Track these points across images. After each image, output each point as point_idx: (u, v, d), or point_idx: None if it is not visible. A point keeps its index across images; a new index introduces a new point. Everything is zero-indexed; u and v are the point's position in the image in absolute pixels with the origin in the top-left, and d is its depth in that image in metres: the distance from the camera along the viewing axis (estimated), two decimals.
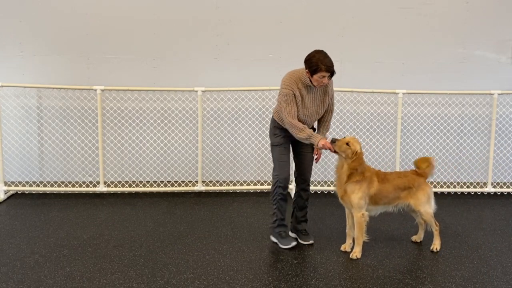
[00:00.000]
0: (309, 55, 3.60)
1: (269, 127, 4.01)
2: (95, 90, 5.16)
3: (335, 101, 4.11)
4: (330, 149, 3.61)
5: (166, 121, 5.50)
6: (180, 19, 5.37)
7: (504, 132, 5.62)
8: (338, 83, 5.50)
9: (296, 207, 4.05)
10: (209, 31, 5.40)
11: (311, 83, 3.62)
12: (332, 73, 3.57)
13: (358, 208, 3.69)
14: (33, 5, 5.26)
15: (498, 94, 5.34)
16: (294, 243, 3.87)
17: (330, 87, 3.79)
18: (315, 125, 3.99)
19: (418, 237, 4.08)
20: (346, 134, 5.59)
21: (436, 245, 3.90)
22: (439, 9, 5.43)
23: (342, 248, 3.88)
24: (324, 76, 3.54)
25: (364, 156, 3.73)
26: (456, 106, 5.59)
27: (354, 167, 3.63)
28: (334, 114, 5.49)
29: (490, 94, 5.35)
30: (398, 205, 3.88)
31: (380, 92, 5.36)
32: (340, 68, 5.53)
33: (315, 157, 3.94)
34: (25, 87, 5.22)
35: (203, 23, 5.39)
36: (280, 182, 3.81)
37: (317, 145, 3.61)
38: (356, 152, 3.61)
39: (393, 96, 5.49)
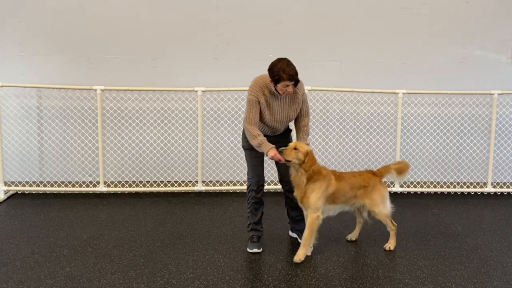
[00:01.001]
0: (271, 63, 3.50)
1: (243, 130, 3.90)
2: (95, 90, 5.16)
3: (309, 104, 3.99)
4: (280, 160, 3.54)
5: (166, 121, 5.50)
6: (180, 19, 5.37)
7: (504, 132, 5.62)
8: (338, 83, 5.54)
9: (289, 207, 4.02)
10: (209, 31, 5.40)
11: (276, 91, 3.54)
12: (295, 81, 3.47)
13: (315, 209, 3.60)
14: (33, 5, 5.27)
15: (498, 94, 5.34)
16: (256, 250, 3.79)
17: (300, 92, 3.69)
18: (292, 124, 3.93)
19: (353, 235, 4.08)
20: (346, 134, 5.60)
21: (390, 244, 3.89)
22: (439, 9, 5.43)
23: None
24: (287, 85, 3.45)
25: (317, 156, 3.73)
26: (456, 106, 5.59)
27: (310, 167, 3.57)
28: (334, 114, 5.54)
29: (490, 94, 5.35)
30: (354, 204, 3.84)
31: (380, 92, 5.36)
32: (340, 68, 5.54)
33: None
34: (25, 87, 5.22)
35: (203, 23, 5.39)
36: (253, 185, 3.78)
37: (267, 155, 3.54)
38: (307, 152, 3.55)
39: (393, 96, 5.49)
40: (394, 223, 3.92)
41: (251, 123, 3.59)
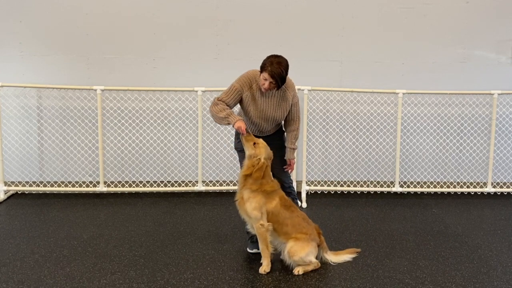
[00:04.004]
0: (267, 56, 3.46)
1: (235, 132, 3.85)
2: (95, 90, 5.16)
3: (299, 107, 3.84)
4: (242, 133, 3.40)
5: (166, 121, 5.50)
6: (180, 19, 5.37)
7: (504, 132, 5.62)
8: (338, 83, 5.53)
9: None
10: (209, 31, 5.40)
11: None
12: (276, 81, 3.37)
13: (255, 219, 3.42)
14: (33, 5, 5.27)
15: (498, 94, 5.34)
16: (256, 250, 3.73)
17: (290, 95, 3.61)
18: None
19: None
20: (346, 134, 5.60)
21: (302, 268, 3.45)
22: (439, 9, 5.43)
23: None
24: (266, 79, 3.38)
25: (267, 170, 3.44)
26: (456, 106, 5.59)
27: (256, 176, 3.39)
28: (334, 114, 5.53)
29: (490, 94, 5.35)
30: (280, 242, 3.50)
31: (380, 92, 5.36)
32: (340, 68, 5.54)
33: (285, 168, 3.80)
34: (25, 87, 5.22)
35: (203, 23, 5.39)
36: None
37: (234, 125, 3.40)
38: (259, 161, 3.39)
39: (393, 96, 5.49)
40: (318, 263, 3.51)
41: (219, 104, 3.49)
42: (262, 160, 3.42)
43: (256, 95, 3.56)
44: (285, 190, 3.76)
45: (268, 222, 3.45)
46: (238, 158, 3.87)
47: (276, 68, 3.35)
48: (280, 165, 3.80)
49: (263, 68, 3.40)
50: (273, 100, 3.60)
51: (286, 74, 3.46)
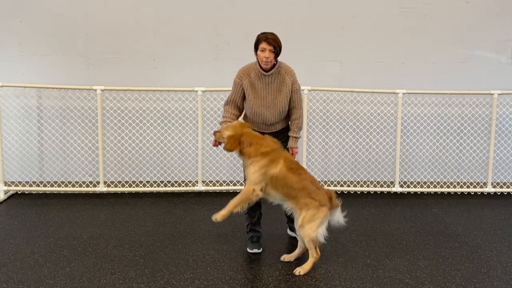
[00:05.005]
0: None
1: None
2: (95, 90, 5.16)
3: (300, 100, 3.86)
4: (213, 144, 3.66)
5: (166, 121, 5.50)
6: (180, 19, 5.37)
7: (504, 132, 5.62)
8: (338, 83, 5.53)
9: None
10: (209, 31, 5.40)
11: (260, 67, 3.56)
12: (274, 47, 3.46)
13: (250, 181, 3.39)
14: (33, 5, 5.27)
15: (498, 94, 5.34)
16: (256, 250, 3.77)
17: (290, 80, 3.63)
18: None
19: (291, 257, 3.64)
20: (346, 134, 5.60)
21: (302, 269, 3.44)
22: (439, 9, 5.43)
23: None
24: (264, 49, 3.47)
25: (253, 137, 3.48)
26: (456, 106, 5.59)
27: (227, 148, 3.44)
28: (334, 114, 5.53)
29: (490, 94, 5.35)
30: (289, 207, 3.47)
31: (380, 92, 5.36)
32: (340, 68, 5.54)
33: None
34: (25, 87, 5.22)
35: (203, 23, 5.39)
36: None
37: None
38: (228, 136, 3.45)
39: (393, 96, 5.49)
40: (319, 252, 3.46)
41: (228, 103, 3.73)
42: (225, 135, 3.47)
43: (255, 82, 3.62)
44: None
45: (275, 187, 3.39)
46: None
47: (270, 35, 3.50)
48: None
49: (258, 42, 3.53)
50: (273, 86, 3.64)
51: (281, 42, 3.55)
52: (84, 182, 5.51)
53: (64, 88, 5.28)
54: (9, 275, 3.37)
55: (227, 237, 4.12)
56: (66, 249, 3.82)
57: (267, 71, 3.59)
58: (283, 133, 3.81)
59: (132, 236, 4.12)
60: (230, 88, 5.21)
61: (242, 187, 5.37)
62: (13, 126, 5.41)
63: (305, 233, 3.38)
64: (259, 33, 3.57)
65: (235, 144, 3.43)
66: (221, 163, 5.60)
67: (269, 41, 3.46)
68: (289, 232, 4.15)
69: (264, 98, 3.63)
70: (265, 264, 3.59)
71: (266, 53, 3.48)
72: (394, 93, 5.32)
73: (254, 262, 3.63)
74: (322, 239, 3.44)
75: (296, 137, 3.80)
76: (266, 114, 3.66)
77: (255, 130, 3.68)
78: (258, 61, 3.60)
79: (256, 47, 3.55)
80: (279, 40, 3.53)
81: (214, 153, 5.57)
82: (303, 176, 3.45)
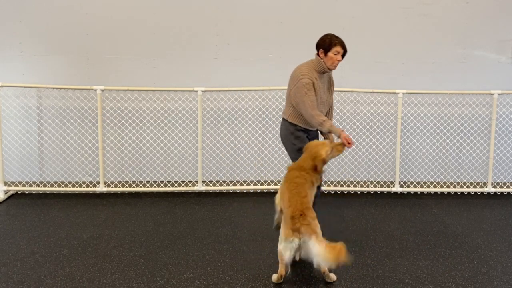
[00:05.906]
0: (320, 38, 3.72)
1: (281, 134, 3.86)
2: (95, 90, 5.15)
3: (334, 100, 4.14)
4: (350, 144, 3.45)
5: (166, 121, 5.50)
6: (180, 19, 5.37)
7: (504, 132, 5.62)
8: (338, 83, 5.49)
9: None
10: (209, 31, 5.40)
11: (326, 66, 3.66)
12: (345, 50, 3.68)
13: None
14: (33, 5, 5.27)
15: (498, 94, 5.34)
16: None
17: (332, 76, 3.90)
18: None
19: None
20: (346, 134, 5.58)
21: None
22: (439, 9, 5.43)
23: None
24: (338, 52, 3.64)
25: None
26: (456, 106, 5.59)
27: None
28: (334, 114, 5.53)
29: (490, 94, 5.35)
30: None
31: (380, 92, 5.36)
32: (340, 68, 5.52)
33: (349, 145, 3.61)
34: (25, 87, 5.22)
35: (203, 23, 5.39)
36: None
37: (339, 136, 3.48)
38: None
39: (393, 96, 5.49)
40: (282, 270, 3.23)
41: (313, 108, 3.56)
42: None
43: (316, 82, 3.68)
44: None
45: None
46: (294, 161, 3.69)
47: (341, 40, 3.67)
48: None
49: (331, 45, 3.63)
50: (326, 84, 3.80)
51: None
52: (84, 182, 5.51)
53: (64, 88, 5.28)
54: (9, 275, 3.37)
55: (227, 237, 4.12)
56: (66, 249, 3.82)
57: (324, 72, 3.71)
58: (316, 132, 3.96)
59: (132, 236, 4.12)
60: (230, 88, 5.29)
61: (242, 187, 5.39)
62: (13, 126, 5.41)
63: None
64: (329, 37, 3.67)
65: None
66: (221, 163, 5.60)
67: (343, 45, 3.66)
68: None
69: (322, 97, 3.75)
70: (265, 264, 3.59)
71: (339, 56, 3.66)
72: (394, 93, 5.32)
73: (254, 262, 3.63)
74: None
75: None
76: (322, 111, 3.77)
77: (306, 128, 3.78)
78: (322, 62, 3.66)
79: (327, 49, 3.64)
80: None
81: (214, 153, 5.57)
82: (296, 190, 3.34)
